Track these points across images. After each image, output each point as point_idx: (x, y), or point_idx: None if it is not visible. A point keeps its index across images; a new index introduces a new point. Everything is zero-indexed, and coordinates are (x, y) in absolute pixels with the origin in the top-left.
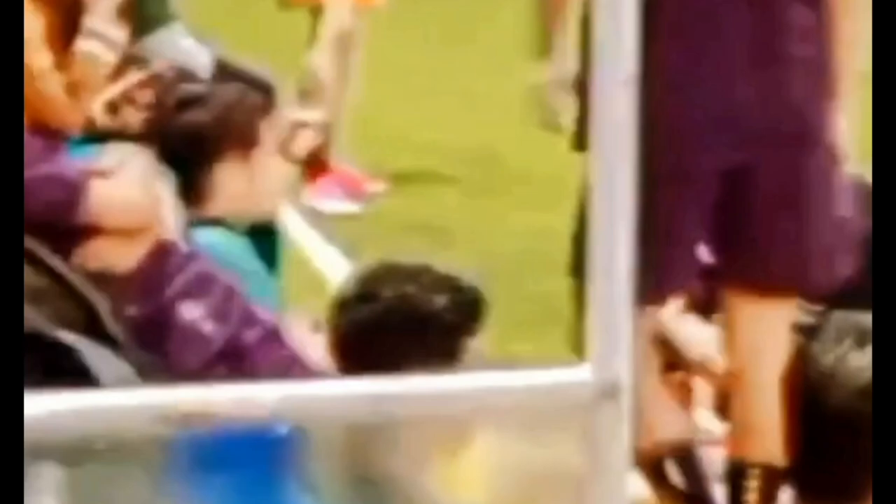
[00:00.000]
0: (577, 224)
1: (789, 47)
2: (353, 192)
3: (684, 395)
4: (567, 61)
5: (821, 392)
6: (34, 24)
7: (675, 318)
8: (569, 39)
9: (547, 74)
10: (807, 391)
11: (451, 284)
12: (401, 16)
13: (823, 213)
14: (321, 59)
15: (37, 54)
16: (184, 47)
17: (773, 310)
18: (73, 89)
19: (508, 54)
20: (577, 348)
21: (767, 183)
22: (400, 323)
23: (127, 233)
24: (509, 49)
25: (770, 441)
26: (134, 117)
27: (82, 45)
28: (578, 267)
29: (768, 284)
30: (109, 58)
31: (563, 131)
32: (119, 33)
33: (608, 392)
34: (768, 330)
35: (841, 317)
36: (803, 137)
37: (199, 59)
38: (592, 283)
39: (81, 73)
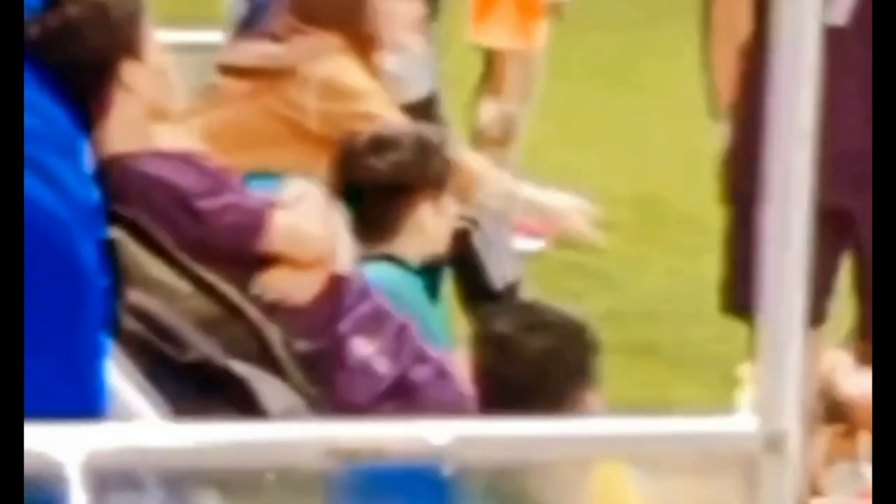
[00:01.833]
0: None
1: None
2: (535, 230)
3: (849, 448)
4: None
5: None
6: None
7: (840, 368)
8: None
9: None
10: None
11: (581, 330)
12: (563, 58)
13: None
14: (508, 103)
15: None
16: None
17: None
18: None
19: (673, 99)
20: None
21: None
22: (543, 375)
23: (305, 265)
24: (673, 94)
25: None
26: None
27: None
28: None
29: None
30: None
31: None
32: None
33: (774, 444)
34: None
35: None
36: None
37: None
38: (762, 329)
39: None
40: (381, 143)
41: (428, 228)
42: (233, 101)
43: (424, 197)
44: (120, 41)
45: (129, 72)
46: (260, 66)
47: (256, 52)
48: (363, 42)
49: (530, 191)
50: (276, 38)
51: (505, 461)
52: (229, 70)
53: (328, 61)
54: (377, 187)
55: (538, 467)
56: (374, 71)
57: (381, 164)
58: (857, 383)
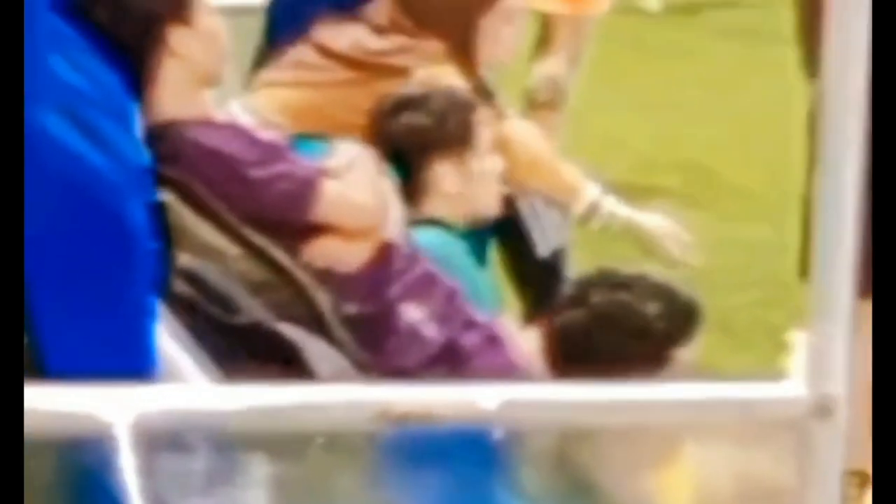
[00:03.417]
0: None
1: None
2: None
3: None
4: None
5: None
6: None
7: None
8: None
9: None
10: None
11: (665, 293)
12: (617, 26)
13: None
14: (558, 68)
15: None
16: None
17: None
18: None
19: (725, 69)
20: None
21: None
22: (609, 328)
23: (355, 233)
24: (726, 64)
25: None
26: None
27: None
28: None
29: None
30: None
31: None
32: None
33: (823, 409)
34: None
35: None
36: None
37: None
38: (812, 295)
39: None
40: (401, 105)
41: (449, 190)
42: (322, 84)
43: (441, 158)
44: (168, 4)
45: (178, 36)
46: (358, 57)
47: (356, 40)
48: (467, 55)
49: (625, 210)
50: (377, 29)
51: (555, 426)
52: (324, 50)
53: (431, 67)
54: (396, 149)
55: (587, 432)
56: (477, 86)
57: (395, 125)
58: None
